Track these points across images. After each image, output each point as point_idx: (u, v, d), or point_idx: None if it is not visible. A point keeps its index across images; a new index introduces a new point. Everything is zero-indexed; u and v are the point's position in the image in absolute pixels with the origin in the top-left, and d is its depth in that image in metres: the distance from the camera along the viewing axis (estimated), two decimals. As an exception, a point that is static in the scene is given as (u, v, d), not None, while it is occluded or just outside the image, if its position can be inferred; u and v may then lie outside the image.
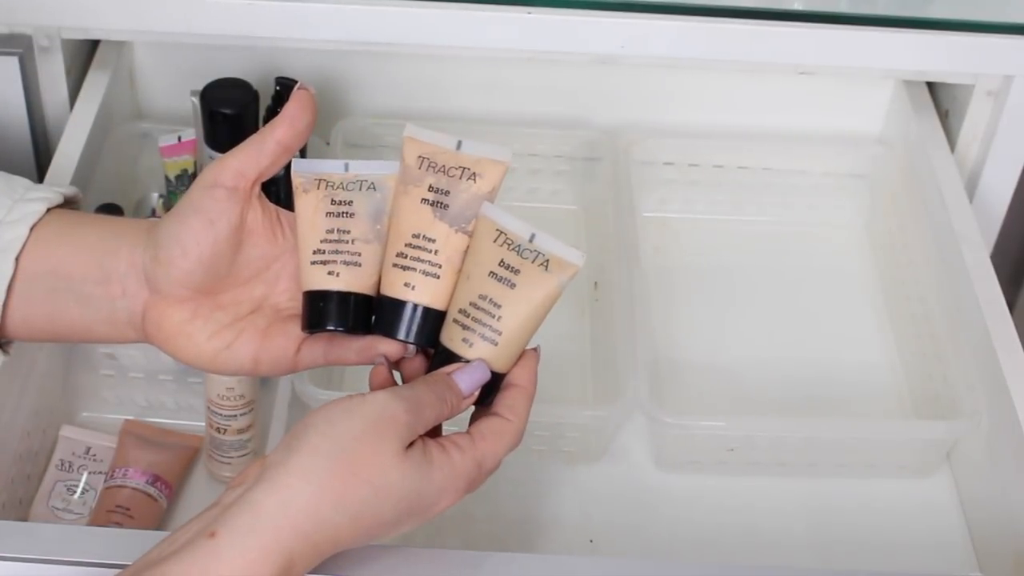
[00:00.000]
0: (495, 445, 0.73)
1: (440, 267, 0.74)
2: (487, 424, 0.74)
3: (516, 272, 0.73)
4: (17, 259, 0.76)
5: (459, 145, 0.75)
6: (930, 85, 1.21)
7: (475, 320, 0.73)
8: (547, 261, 0.74)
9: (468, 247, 0.75)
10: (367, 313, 0.75)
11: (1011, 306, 1.02)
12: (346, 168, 0.76)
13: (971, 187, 1.17)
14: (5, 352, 0.80)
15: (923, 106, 1.19)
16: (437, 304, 0.74)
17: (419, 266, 0.74)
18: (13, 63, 1.08)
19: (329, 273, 0.74)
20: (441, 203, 0.74)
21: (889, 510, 1.00)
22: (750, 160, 1.20)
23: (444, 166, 0.75)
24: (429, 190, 0.74)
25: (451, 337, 0.74)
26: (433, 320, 0.74)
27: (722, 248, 1.19)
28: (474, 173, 0.75)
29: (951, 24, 1.10)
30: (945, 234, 1.07)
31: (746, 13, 1.09)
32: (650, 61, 1.12)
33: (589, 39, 1.10)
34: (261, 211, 0.76)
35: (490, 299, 0.73)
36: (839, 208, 1.22)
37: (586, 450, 1.01)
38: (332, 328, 0.74)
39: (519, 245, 0.74)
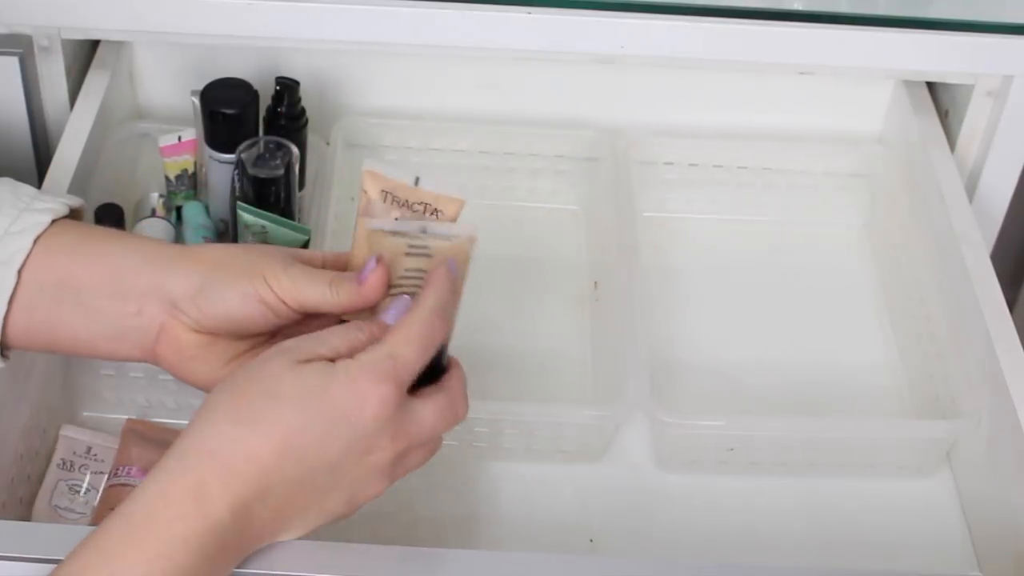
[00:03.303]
0: (401, 329, 0.73)
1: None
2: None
3: (426, 247, 0.76)
4: (20, 271, 0.76)
5: (416, 181, 0.77)
6: (930, 85, 1.21)
7: (409, 286, 0.76)
8: (448, 237, 0.77)
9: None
10: None
11: (1011, 306, 1.02)
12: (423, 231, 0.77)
13: (971, 187, 1.17)
14: (4, 358, 0.80)
15: (923, 106, 1.19)
16: None
17: (392, 290, 0.77)
18: (13, 63, 1.08)
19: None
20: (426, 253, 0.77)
21: (889, 510, 1.00)
22: (750, 160, 1.20)
23: (407, 200, 0.77)
24: (411, 247, 0.77)
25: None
26: None
27: (722, 248, 1.19)
28: (436, 209, 0.77)
29: (951, 24, 1.10)
30: (945, 234, 1.07)
31: (746, 13, 1.09)
32: (650, 61, 1.12)
33: (589, 39, 1.10)
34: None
35: (416, 268, 0.76)
36: (839, 208, 1.22)
37: (586, 450, 1.01)
38: None
39: (417, 237, 0.77)
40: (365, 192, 0.77)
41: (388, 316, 0.75)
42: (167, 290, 0.76)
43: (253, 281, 0.75)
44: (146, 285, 0.76)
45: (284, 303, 0.75)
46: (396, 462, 0.73)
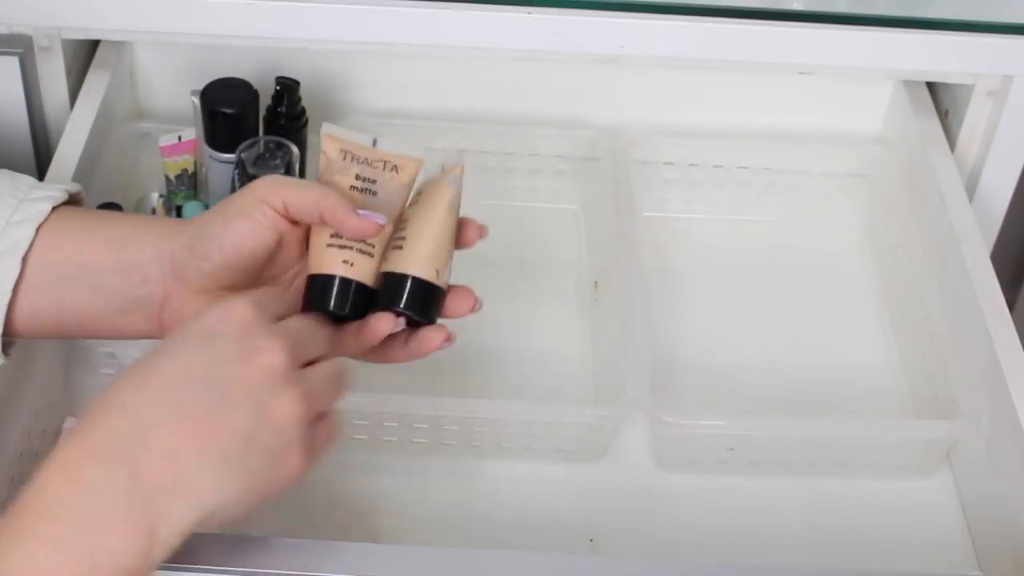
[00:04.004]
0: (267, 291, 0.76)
1: (374, 247, 0.78)
2: None
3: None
4: (24, 259, 0.76)
5: (375, 143, 0.79)
6: (930, 85, 1.21)
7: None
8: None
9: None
10: (367, 302, 0.78)
11: (1011, 306, 1.02)
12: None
13: (971, 187, 1.17)
14: (6, 354, 0.80)
15: (923, 106, 1.19)
16: (370, 281, 0.78)
17: (356, 245, 0.77)
18: (13, 63, 1.08)
19: (344, 261, 0.77)
20: (370, 190, 0.78)
21: (889, 510, 1.00)
22: (750, 160, 1.20)
23: (367, 159, 0.78)
24: (357, 178, 0.78)
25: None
26: (370, 297, 0.78)
27: (722, 248, 1.19)
28: (395, 166, 0.78)
29: (951, 24, 1.10)
30: (945, 234, 1.07)
31: (746, 13, 1.09)
32: (650, 61, 1.12)
33: (589, 39, 1.10)
34: (300, 230, 0.78)
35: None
36: (839, 208, 1.22)
37: (586, 450, 1.01)
38: (335, 311, 0.77)
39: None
40: (324, 152, 0.78)
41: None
42: (166, 250, 0.77)
43: (239, 201, 0.76)
44: (147, 254, 0.77)
45: (271, 207, 0.75)
46: (293, 365, 0.69)
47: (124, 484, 0.64)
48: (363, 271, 0.78)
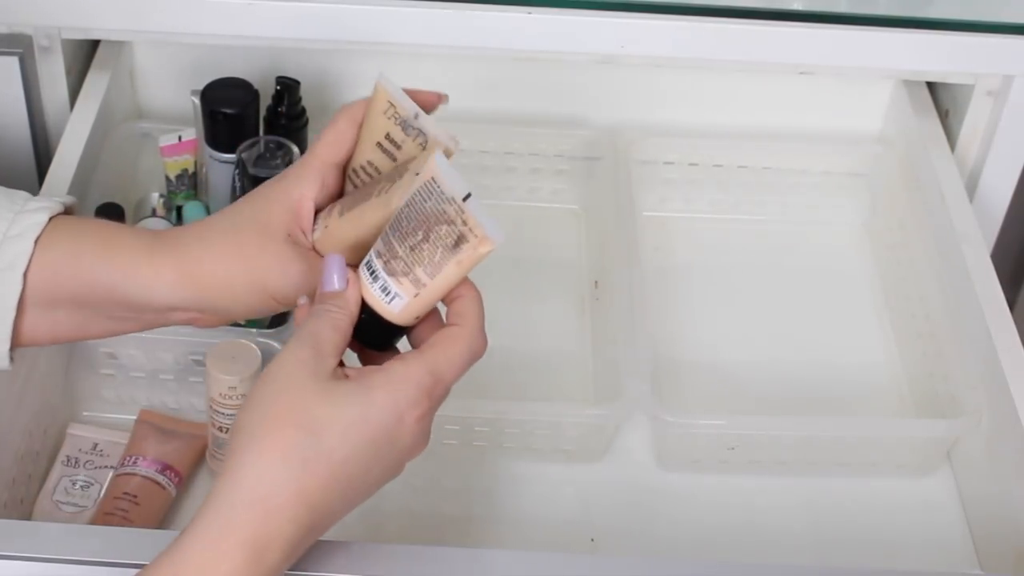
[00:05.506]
0: (447, 350, 0.71)
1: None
2: (436, 335, 0.72)
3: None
4: (25, 275, 0.75)
5: (416, 116, 0.78)
6: (930, 85, 1.21)
7: (356, 180, 0.78)
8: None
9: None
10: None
11: (1011, 305, 1.02)
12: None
13: (971, 187, 1.17)
14: (10, 360, 0.79)
15: (923, 106, 1.19)
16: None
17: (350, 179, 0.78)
18: (13, 63, 1.08)
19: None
20: (391, 154, 0.77)
21: (890, 508, 1.00)
22: (750, 160, 1.20)
23: (405, 123, 0.77)
24: (386, 138, 0.77)
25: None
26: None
27: (722, 248, 1.19)
28: (427, 141, 0.77)
29: (951, 24, 1.11)
30: (945, 233, 1.07)
31: (746, 13, 1.10)
32: (650, 61, 1.13)
33: (589, 39, 1.10)
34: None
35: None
36: (839, 207, 1.22)
37: (587, 449, 1.01)
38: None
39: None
40: (373, 102, 0.77)
41: (329, 282, 0.72)
42: (179, 313, 0.77)
43: (255, 294, 0.76)
44: (160, 304, 0.76)
45: (274, 299, 0.76)
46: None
47: (287, 562, 0.69)
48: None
